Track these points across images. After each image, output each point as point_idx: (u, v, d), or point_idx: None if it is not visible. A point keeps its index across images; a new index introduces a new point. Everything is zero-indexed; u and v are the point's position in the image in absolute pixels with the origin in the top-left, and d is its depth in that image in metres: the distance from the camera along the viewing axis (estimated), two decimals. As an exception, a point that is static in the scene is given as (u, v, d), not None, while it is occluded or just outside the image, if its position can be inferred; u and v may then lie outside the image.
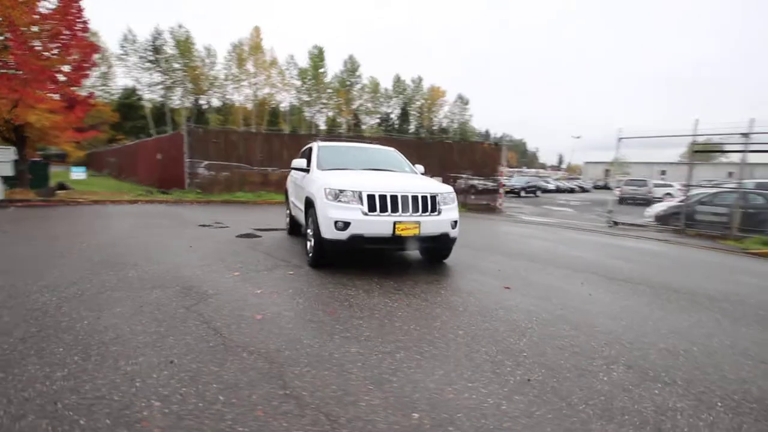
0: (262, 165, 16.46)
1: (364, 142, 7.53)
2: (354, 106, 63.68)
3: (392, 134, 57.38)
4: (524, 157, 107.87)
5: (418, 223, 4.56)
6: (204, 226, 8.22)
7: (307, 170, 5.77)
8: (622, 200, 26.74)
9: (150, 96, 46.97)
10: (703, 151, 11.74)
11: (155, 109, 47.30)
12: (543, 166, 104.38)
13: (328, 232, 4.51)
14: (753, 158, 12.53)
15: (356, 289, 4.11)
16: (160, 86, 46.33)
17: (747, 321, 3.68)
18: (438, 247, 5.06)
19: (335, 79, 61.19)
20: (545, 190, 36.35)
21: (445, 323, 3.26)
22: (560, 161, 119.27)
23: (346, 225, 4.43)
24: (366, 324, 3.18)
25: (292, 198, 7.08)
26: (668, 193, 30.55)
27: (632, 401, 2.21)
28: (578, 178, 62.63)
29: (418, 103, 69.32)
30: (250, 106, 53.73)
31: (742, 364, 2.76)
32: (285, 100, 58.49)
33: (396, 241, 4.55)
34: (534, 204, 23.49)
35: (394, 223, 4.46)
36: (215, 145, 15.72)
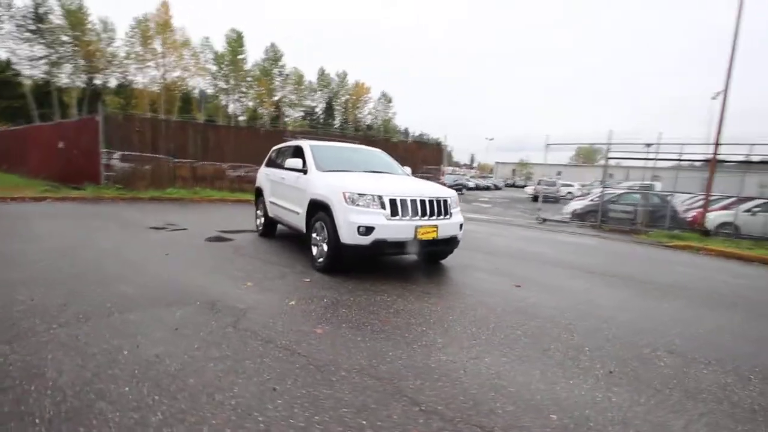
0: (195, 158, 15.09)
1: (346, 141, 7.36)
2: (276, 98, 61.03)
3: (317, 128, 56.48)
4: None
5: (437, 226, 4.68)
6: (156, 228, 7.34)
7: (302, 171, 5.50)
8: (537, 198, 29.93)
9: (31, 72, 39.44)
10: (616, 158, 13.71)
11: (37, 88, 39.89)
12: (457, 165, 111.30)
13: (350, 238, 4.40)
14: (629, 162, 14.91)
15: (387, 294, 4.09)
16: (44, 61, 39.15)
17: (710, 305, 4.50)
18: (447, 250, 5.23)
19: (256, 67, 57.95)
20: (468, 188, 38.93)
21: (498, 324, 3.44)
22: (472, 161, 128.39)
23: (370, 230, 4.36)
24: (431, 331, 3.22)
25: (271, 198, 6.67)
26: (570, 192, 34.97)
27: (696, 381, 2.62)
28: (490, 177, 68.07)
29: (343, 98, 68.88)
30: (156, 89, 48.24)
31: (737, 341, 3.41)
32: (199, 85, 53.79)
33: (417, 245, 4.61)
34: (464, 201, 25.05)
35: (416, 227, 4.52)
36: (139, 134, 13.97)
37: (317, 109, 67.68)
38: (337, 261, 4.66)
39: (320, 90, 66.89)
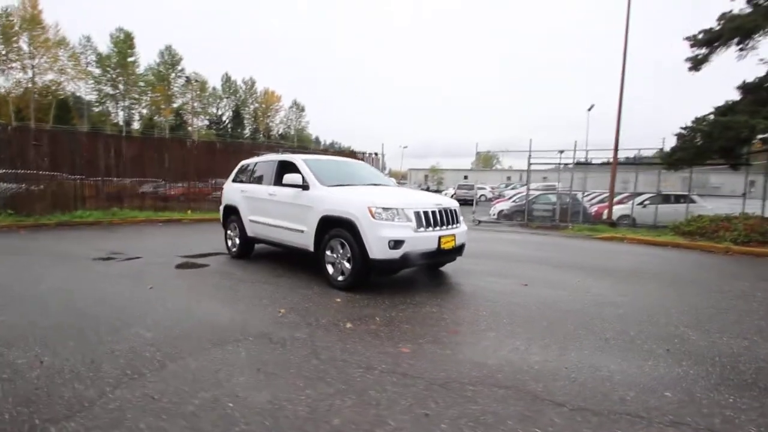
0: (108, 175, 13.20)
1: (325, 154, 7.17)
2: (176, 105, 55.91)
3: (225, 138, 53.28)
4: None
5: (454, 235, 4.88)
6: (103, 259, 6.33)
7: (302, 186, 5.26)
8: (458, 202, 32.11)
9: None
10: (539, 163, 15.48)
11: None
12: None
13: (381, 252, 4.36)
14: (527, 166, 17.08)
15: (428, 306, 4.16)
16: None
17: (676, 285, 5.42)
18: (456, 257, 5.43)
19: (149, 71, 52.44)
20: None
21: (550, 321, 3.74)
22: (383, 168, 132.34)
23: (399, 243, 4.38)
24: (502, 336, 3.38)
25: (252, 216, 6.21)
26: (483, 195, 38.17)
27: (728, 347, 3.20)
28: (404, 183, 70.85)
29: (251, 106, 65.83)
30: (23, 94, 40.65)
31: (719, 312, 4.19)
32: (80, 90, 46.79)
33: (439, 254, 4.75)
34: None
35: (439, 238, 4.66)
36: (36, 148, 11.78)
37: (224, 118, 63.63)
38: (363, 277, 4.58)
39: (226, 97, 63.08)
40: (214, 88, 60.76)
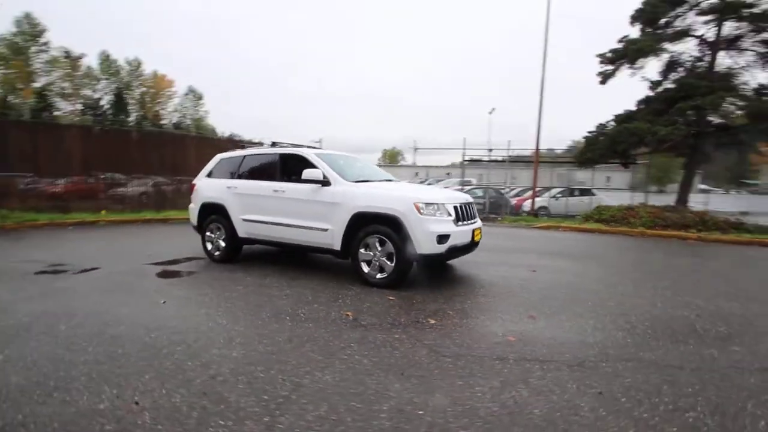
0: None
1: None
2: (38, 84, 46.32)
3: (105, 124, 46.21)
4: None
5: (480, 228, 5.13)
6: (48, 273, 5.24)
7: (322, 182, 4.97)
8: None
9: None
10: (472, 160, 16.72)
11: None
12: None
13: (429, 248, 4.38)
14: (427, 161, 18.72)
15: (480, 297, 4.36)
16: None
17: (634, 265, 6.46)
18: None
19: (1, 43, 42.54)
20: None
21: (593, 301, 4.21)
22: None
23: (445, 238, 4.46)
24: (570, 317, 3.72)
25: (247, 215, 5.64)
26: (401, 189, 39.55)
27: (725, 308, 4.01)
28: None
29: (137, 90, 57.75)
30: None
31: (700, 286, 5.18)
32: None
33: (471, 246, 4.95)
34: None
35: (473, 230, 4.86)
36: None
37: (102, 102, 54.75)
38: (405, 274, 4.55)
39: (106, 79, 54.31)
40: (89, 68, 51.79)
